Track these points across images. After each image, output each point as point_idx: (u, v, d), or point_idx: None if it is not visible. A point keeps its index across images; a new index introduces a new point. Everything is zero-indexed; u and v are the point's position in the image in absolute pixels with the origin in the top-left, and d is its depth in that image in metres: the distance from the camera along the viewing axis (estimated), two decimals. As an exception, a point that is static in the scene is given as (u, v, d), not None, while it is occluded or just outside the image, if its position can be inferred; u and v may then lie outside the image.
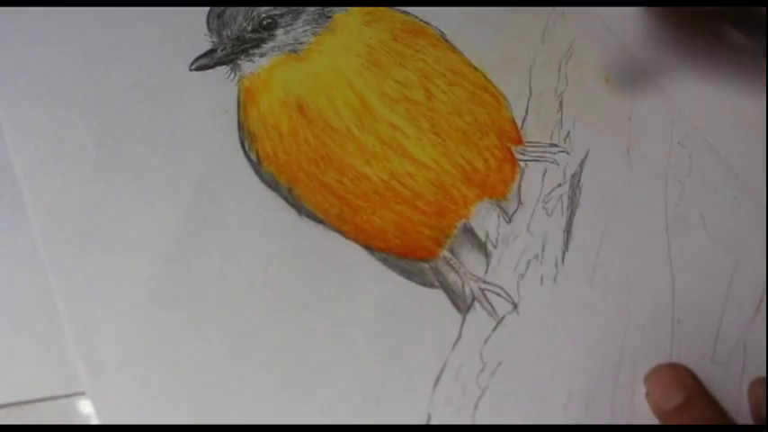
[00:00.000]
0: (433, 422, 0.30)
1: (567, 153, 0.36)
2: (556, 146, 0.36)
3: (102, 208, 0.33)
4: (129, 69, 0.36)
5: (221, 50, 0.37)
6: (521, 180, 0.35)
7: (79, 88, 0.35)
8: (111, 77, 0.36)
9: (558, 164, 0.36)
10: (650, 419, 0.31)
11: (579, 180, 0.36)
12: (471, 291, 0.33)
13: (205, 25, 0.37)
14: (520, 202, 0.35)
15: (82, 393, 0.30)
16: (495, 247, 0.34)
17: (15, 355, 0.30)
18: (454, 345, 0.32)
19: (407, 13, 0.39)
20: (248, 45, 0.37)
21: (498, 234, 0.34)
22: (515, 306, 0.33)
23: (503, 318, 0.32)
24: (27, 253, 0.32)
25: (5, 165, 0.34)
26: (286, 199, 0.34)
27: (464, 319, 0.32)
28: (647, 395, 0.31)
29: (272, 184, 0.34)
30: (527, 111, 0.37)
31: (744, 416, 0.31)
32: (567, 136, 0.37)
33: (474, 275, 0.33)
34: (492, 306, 0.33)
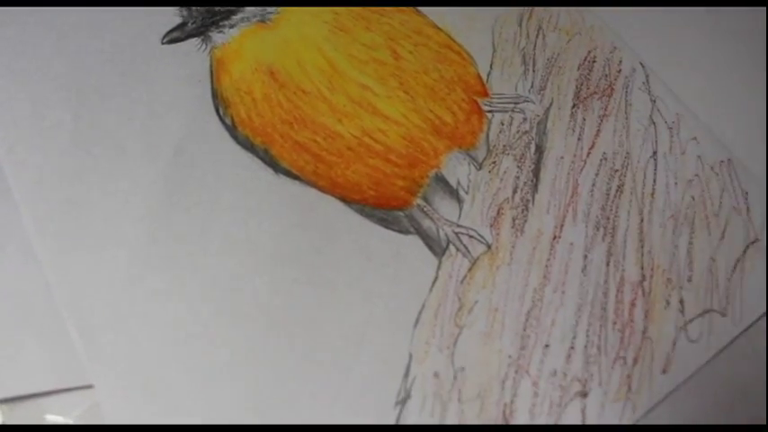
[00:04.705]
0: (414, 361, 0.31)
1: (533, 102, 0.38)
2: (521, 96, 0.38)
3: (83, 177, 0.34)
4: (101, 45, 0.37)
5: (192, 24, 0.38)
6: (488, 130, 0.37)
7: (54, 65, 0.36)
8: (85, 53, 0.37)
9: (523, 113, 0.37)
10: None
11: (545, 127, 0.37)
12: (446, 235, 0.34)
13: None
14: (489, 150, 0.36)
15: (89, 386, 0.31)
16: (466, 192, 0.35)
17: (22, 349, 0.31)
18: (432, 286, 0.33)
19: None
20: (218, 17, 0.38)
21: (469, 181, 0.35)
22: (489, 246, 0.34)
23: (477, 258, 0.34)
24: (30, 247, 0.33)
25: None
26: (263, 159, 0.35)
27: (440, 262, 0.33)
28: None
29: (247, 146, 0.35)
30: (491, 66, 0.38)
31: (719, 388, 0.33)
32: (532, 86, 0.38)
33: (448, 220, 0.34)
34: (466, 247, 0.34)
